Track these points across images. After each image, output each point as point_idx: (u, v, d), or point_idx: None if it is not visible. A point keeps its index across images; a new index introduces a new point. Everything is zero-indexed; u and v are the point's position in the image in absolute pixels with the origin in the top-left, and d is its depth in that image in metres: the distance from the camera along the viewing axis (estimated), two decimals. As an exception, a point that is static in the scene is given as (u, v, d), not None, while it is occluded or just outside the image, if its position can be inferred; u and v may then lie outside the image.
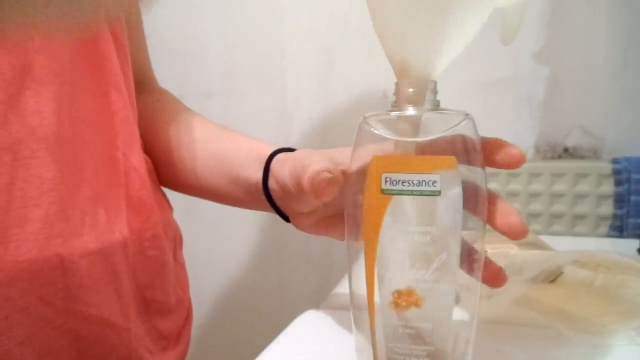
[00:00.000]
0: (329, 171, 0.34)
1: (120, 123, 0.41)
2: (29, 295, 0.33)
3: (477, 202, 0.30)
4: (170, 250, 0.47)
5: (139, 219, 0.41)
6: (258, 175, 0.44)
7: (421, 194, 0.28)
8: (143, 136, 0.47)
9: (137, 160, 0.42)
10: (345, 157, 0.35)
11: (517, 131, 0.85)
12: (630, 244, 0.70)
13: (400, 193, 0.29)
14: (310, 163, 0.36)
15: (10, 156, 0.33)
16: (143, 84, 0.54)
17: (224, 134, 0.52)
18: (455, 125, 0.29)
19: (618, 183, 0.80)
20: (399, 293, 0.29)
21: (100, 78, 0.40)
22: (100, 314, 0.37)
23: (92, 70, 0.39)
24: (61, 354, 0.35)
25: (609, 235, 0.81)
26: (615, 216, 0.80)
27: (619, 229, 0.80)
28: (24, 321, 0.33)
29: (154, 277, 0.43)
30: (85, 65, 0.38)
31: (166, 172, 0.51)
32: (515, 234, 0.30)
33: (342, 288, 0.57)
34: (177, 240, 0.50)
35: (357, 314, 0.32)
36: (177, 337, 0.47)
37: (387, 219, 0.29)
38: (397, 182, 0.29)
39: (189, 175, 0.49)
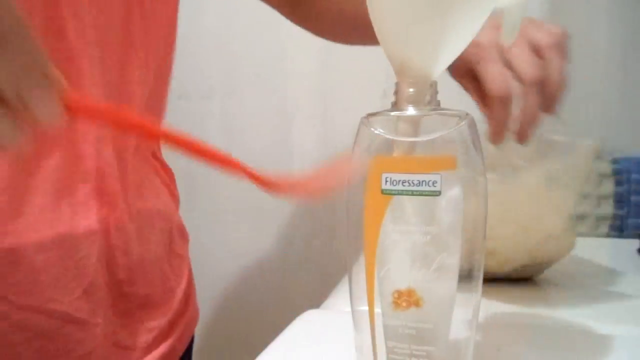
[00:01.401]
0: None
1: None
2: None
3: (477, 200, 0.30)
4: (160, 243, 0.46)
5: (114, 214, 0.40)
6: None
7: (421, 194, 0.28)
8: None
9: (112, 154, 0.40)
10: None
11: (517, 131, 0.85)
12: (630, 244, 0.70)
13: (400, 193, 0.29)
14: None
15: None
16: None
17: None
18: (456, 125, 0.29)
19: (618, 183, 0.80)
20: (399, 293, 0.29)
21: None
22: (61, 308, 0.36)
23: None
24: (19, 348, 0.35)
25: (609, 235, 0.81)
26: (615, 216, 0.80)
27: (619, 229, 0.80)
28: None
29: (134, 271, 0.42)
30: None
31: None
32: None
33: (342, 288, 0.57)
34: (173, 232, 0.50)
35: (357, 314, 0.32)
36: (168, 329, 0.46)
37: (387, 219, 0.29)
38: (397, 182, 0.29)
39: None
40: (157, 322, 0.45)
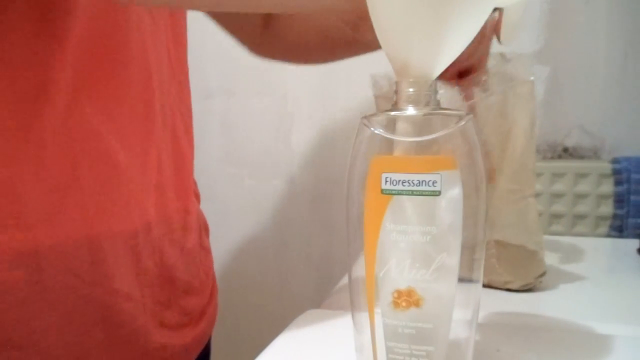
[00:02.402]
0: None
1: (157, 126, 0.45)
2: (58, 267, 0.38)
3: (477, 200, 0.30)
4: (195, 238, 0.52)
5: (166, 210, 0.46)
6: None
7: (421, 194, 0.28)
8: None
9: (169, 156, 0.47)
10: None
11: (517, 131, 0.85)
12: (630, 244, 0.70)
13: (400, 193, 0.29)
14: None
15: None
16: None
17: None
18: (456, 125, 0.29)
19: (618, 183, 0.80)
20: (399, 293, 0.29)
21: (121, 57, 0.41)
22: (122, 287, 0.42)
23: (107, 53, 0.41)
24: (85, 318, 0.40)
25: (608, 235, 0.81)
26: (615, 216, 0.80)
27: (619, 229, 0.80)
28: (53, 287, 0.38)
29: (177, 260, 0.48)
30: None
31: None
32: None
33: (342, 288, 0.57)
34: (202, 229, 0.56)
35: (357, 314, 0.32)
36: (200, 314, 0.52)
37: (387, 219, 0.29)
38: (397, 182, 0.29)
39: None
40: (194, 306, 0.51)
